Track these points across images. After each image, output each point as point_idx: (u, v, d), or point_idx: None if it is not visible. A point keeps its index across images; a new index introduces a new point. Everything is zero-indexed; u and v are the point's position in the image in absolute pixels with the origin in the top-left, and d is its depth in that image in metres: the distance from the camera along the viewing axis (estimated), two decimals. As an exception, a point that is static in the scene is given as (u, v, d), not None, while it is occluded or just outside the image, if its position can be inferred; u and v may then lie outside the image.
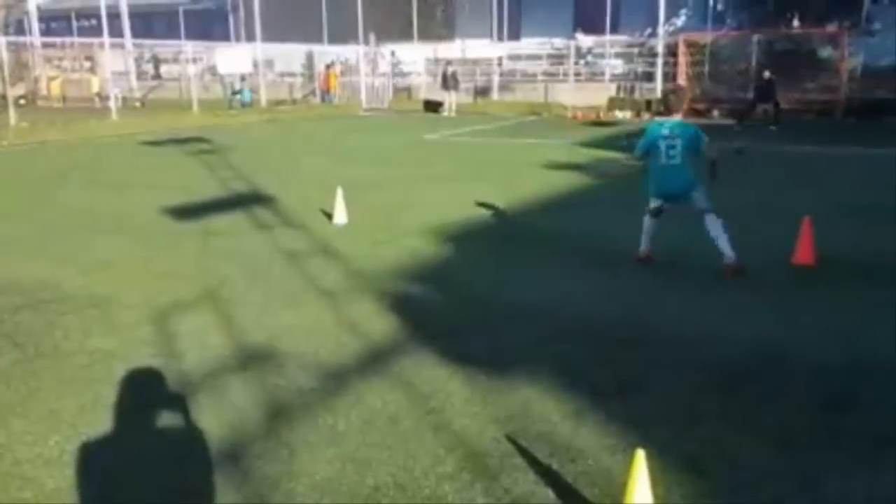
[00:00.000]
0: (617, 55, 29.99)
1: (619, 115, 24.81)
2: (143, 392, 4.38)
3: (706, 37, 26.04)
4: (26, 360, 4.77)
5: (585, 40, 31.04)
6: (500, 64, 32.71)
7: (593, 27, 31.19)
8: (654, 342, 5.00)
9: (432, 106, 27.94)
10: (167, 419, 4.04)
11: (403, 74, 34.19)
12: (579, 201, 10.38)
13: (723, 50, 25.63)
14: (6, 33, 39.18)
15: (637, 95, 26.66)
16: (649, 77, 27.39)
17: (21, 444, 3.71)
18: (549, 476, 3.37)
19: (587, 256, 7.25)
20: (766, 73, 20.98)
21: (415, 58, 33.65)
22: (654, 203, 6.85)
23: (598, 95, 26.98)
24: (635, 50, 29.10)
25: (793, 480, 3.33)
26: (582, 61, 30.43)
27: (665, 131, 6.56)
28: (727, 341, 4.97)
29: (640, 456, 2.79)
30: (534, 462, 3.48)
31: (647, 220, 6.92)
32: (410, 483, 3.34)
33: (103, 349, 4.92)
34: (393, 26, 34.33)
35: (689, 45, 25.19)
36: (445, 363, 4.64)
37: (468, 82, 30.90)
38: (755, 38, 24.65)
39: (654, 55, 27.54)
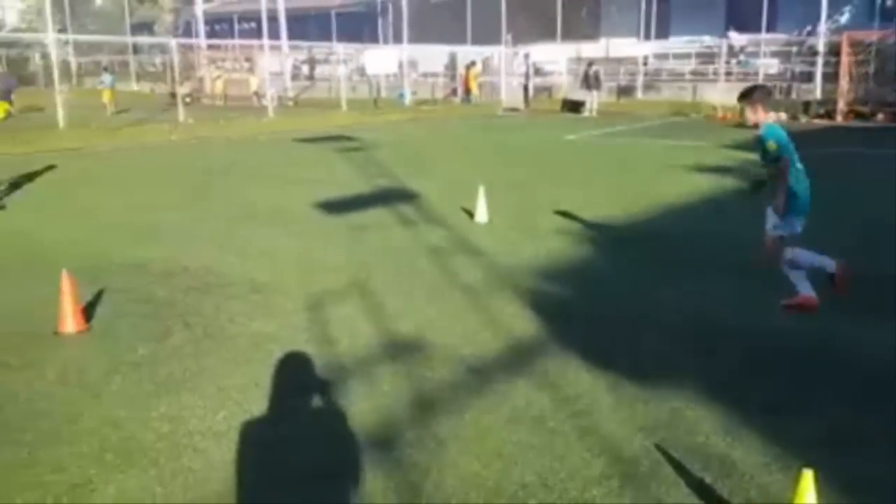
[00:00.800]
0: (772, 54, 28.49)
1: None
2: (301, 375, 4.61)
3: (872, 35, 24.21)
4: (196, 339, 5.14)
5: (738, 39, 29.68)
6: (645, 63, 31.90)
7: (747, 25, 29.75)
8: (808, 356, 4.73)
9: (571, 106, 27.63)
10: (321, 402, 4.24)
11: (545, 74, 34.01)
12: (724, 206, 9.95)
13: (891, 49, 23.74)
14: (175, 35, 42.32)
15: (794, 96, 25.21)
16: (808, 77, 25.85)
17: (193, 417, 4.00)
18: (702, 490, 3.26)
19: (729, 263, 6.94)
20: None
21: (557, 57, 33.39)
22: (793, 229, 5.45)
23: (750, 96, 25.72)
24: (793, 49, 27.52)
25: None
26: (734, 60, 29.13)
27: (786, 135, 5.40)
28: (887, 354, 4.63)
29: (808, 476, 2.65)
30: (686, 474, 3.38)
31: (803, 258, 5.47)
32: (557, 484, 3.33)
33: (264, 332, 5.23)
34: (536, 27, 34.23)
35: (854, 43, 23.51)
36: (589, 366, 4.59)
37: (611, 81, 30.33)
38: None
39: (814, 54, 25.96)
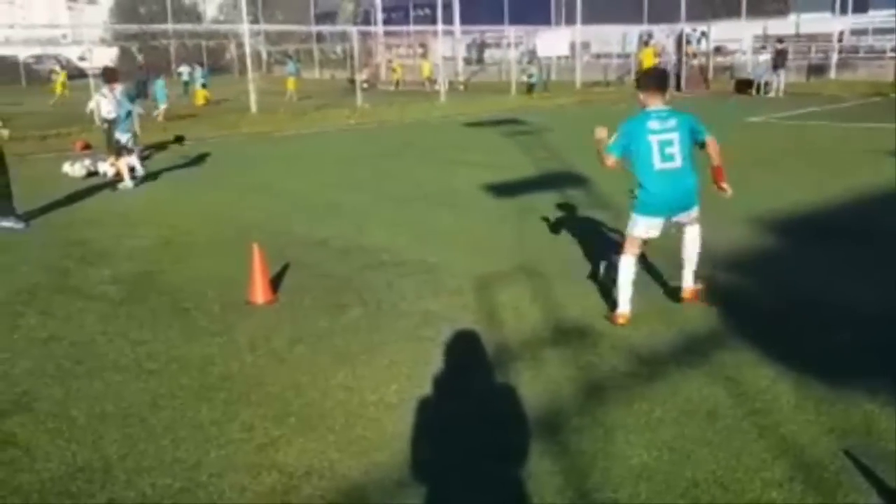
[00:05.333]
0: None
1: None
2: (468, 354, 4.69)
3: None
4: (370, 315, 5.37)
5: (952, 9, 26.61)
6: (840, 39, 29.37)
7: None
8: None
9: (743, 86, 25.97)
10: (488, 382, 4.30)
11: (726, 53, 32.21)
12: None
13: None
14: (355, 23, 44.13)
15: None
16: None
17: (367, 389, 4.19)
18: (897, 502, 3.00)
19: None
20: None
21: (740, 35, 31.50)
22: (640, 230, 5.01)
23: (964, 73, 23.02)
24: None
25: None
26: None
27: (652, 124, 4.85)
28: None
29: None
30: (878, 483, 3.12)
31: (626, 264, 5.04)
32: (733, 483, 3.18)
33: (433, 311, 5.38)
34: (719, 2, 32.45)
35: None
36: (770, 362, 4.33)
37: (801, 60, 28.21)
38: None
39: None
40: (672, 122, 4.92)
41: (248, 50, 24.24)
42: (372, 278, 6.21)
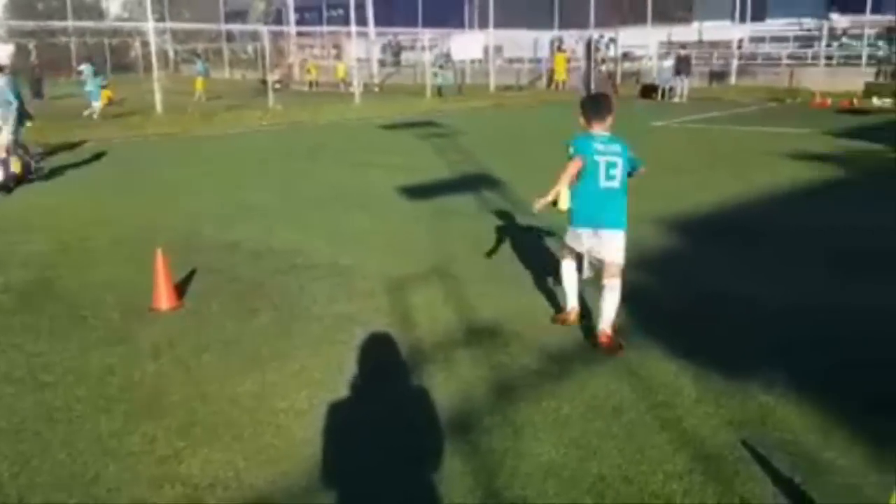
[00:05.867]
0: (878, 36, 26.95)
1: (876, 102, 22.32)
2: (381, 357, 4.66)
3: None
4: (282, 320, 5.27)
5: (840, 20, 28.24)
6: (740, 46, 30.74)
7: (849, 5, 28.23)
8: (917, 357, 4.46)
9: (649, 91, 26.90)
10: (400, 385, 4.28)
11: (633, 59, 33.22)
12: (820, 195, 9.50)
13: None
14: (266, 23, 43.38)
15: (902, 81, 23.82)
16: (918, 60, 24.37)
17: (276, 396, 4.11)
18: (790, 489, 3.14)
19: (826, 255, 6.63)
20: None
21: (646, 42, 32.56)
22: (571, 240, 5.17)
23: (852, 81, 24.46)
24: (901, 30, 25.99)
25: None
26: (835, 43, 27.71)
27: (598, 146, 4.99)
28: None
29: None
30: (773, 473, 3.26)
31: (564, 268, 5.22)
32: (637, 477, 3.26)
33: (346, 314, 5.32)
34: (626, 9, 33.44)
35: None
36: (673, 357, 4.47)
37: (703, 66, 29.37)
38: None
39: (925, 36, 24.43)
40: (615, 148, 5.03)
41: (153, 48, 23.46)
42: (283, 282, 6.10)
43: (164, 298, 5.45)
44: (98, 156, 13.58)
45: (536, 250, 6.96)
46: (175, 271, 5.84)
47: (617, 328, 4.79)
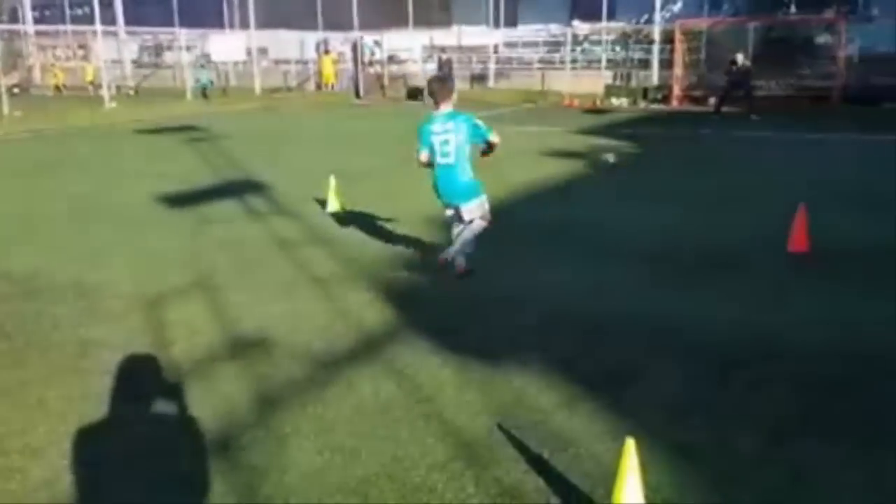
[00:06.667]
0: (613, 42, 29.83)
1: (615, 102, 24.71)
2: (134, 381, 4.34)
3: (703, 23, 25.85)
4: (15, 350, 4.73)
5: (582, 27, 30.86)
6: (496, 51, 32.54)
7: (591, 14, 30.98)
8: (646, 331, 4.97)
9: (414, 93, 27.81)
10: (158, 409, 4.02)
11: (399, 62, 33.98)
12: (573, 190, 10.32)
13: (719, 37, 25.47)
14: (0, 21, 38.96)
15: (634, 83, 26.54)
16: (646, 64, 27.25)
17: (9, 434, 3.68)
18: (540, 465, 3.35)
19: (577, 246, 7.22)
20: (740, 59, 19.74)
21: (411, 45, 33.45)
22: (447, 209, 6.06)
23: (594, 83, 26.83)
24: (631, 37, 28.95)
25: (784, 470, 3.31)
26: (578, 48, 30.28)
27: (435, 126, 5.77)
28: (719, 330, 4.95)
29: (630, 444, 2.77)
30: (525, 451, 3.46)
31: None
32: (400, 473, 3.32)
33: (94, 339, 4.89)
34: (389, 12, 34.09)
35: (686, 31, 25.02)
36: (437, 353, 4.61)
37: (464, 70, 30.74)
38: (752, 25, 24.47)
39: (651, 42, 27.39)
40: (450, 125, 5.74)
41: None
42: (18, 308, 5.48)
43: None
44: None
45: (303, 255, 6.87)
46: None
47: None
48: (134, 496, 3.20)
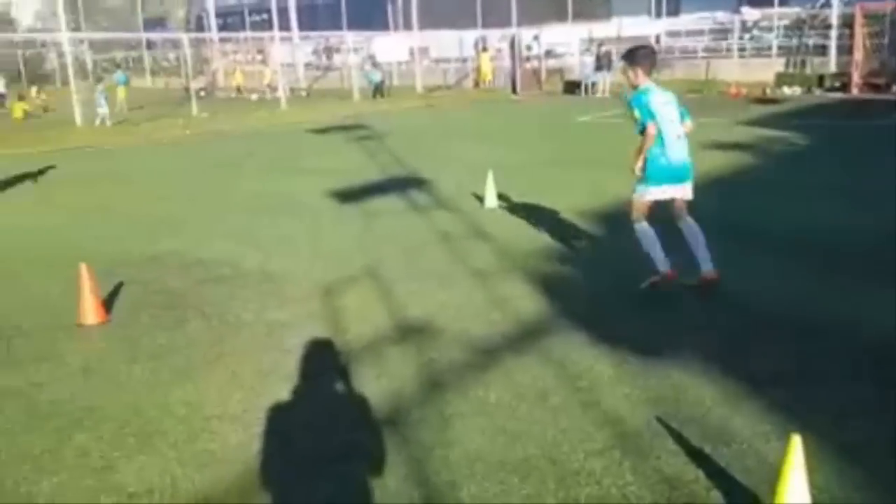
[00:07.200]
0: (786, 28, 28.16)
1: (787, 91, 23.35)
2: (311, 360, 4.72)
3: (886, 6, 23.84)
4: (212, 328, 5.30)
5: (751, 13, 29.36)
6: (657, 41, 31.63)
7: (761, 0, 29.42)
8: (814, 329, 4.78)
9: (572, 87, 27.59)
10: (332, 386, 4.37)
11: (557, 56, 33.85)
12: (737, 182, 9.95)
13: (905, 20, 23.39)
14: (188, 29, 42.55)
15: (808, 71, 24.94)
16: (822, 50, 25.54)
17: (209, 403, 4.15)
18: (700, 458, 3.36)
19: (740, 240, 6.99)
20: None
21: (569, 39, 33.23)
22: (650, 195, 5.38)
23: (764, 71, 25.50)
24: (807, 22, 27.19)
25: (969, 479, 3.13)
26: (747, 35, 28.83)
27: (657, 97, 5.22)
28: (884, 328, 4.68)
29: (797, 442, 2.74)
30: (684, 443, 3.48)
31: (643, 229, 5.45)
32: (559, 457, 3.44)
33: (276, 320, 5.38)
34: (548, 7, 34.04)
35: (867, 15, 23.19)
36: (594, 344, 4.68)
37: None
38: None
39: (828, 27, 25.62)
40: (669, 96, 5.27)
41: (69, 59, 22.82)
42: (212, 292, 6.11)
43: (90, 313, 5.41)
44: (18, 173, 13.16)
45: (462, 248, 7.13)
46: (101, 286, 5.79)
47: None
48: (313, 460, 3.53)
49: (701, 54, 29.89)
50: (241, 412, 4.02)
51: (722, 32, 29.81)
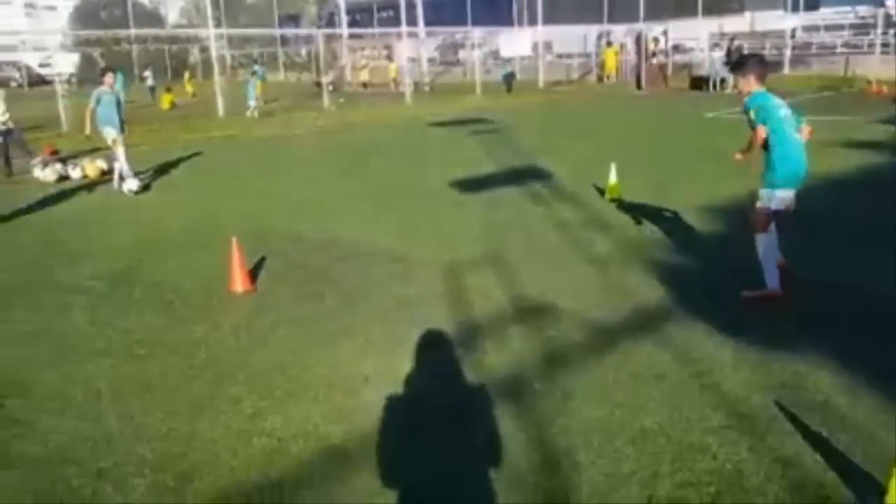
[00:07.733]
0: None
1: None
2: (437, 332, 5.01)
3: None
4: (347, 299, 5.71)
5: (898, 7, 27.63)
6: (793, 36, 30.30)
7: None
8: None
9: (698, 82, 26.84)
10: (456, 356, 4.64)
11: (685, 51, 33.00)
12: (869, 182, 9.54)
13: None
14: (319, 26, 44.23)
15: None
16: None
17: (345, 364, 4.54)
18: (818, 442, 3.42)
19: (866, 237, 6.77)
20: None
21: (698, 34, 32.31)
22: (776, 203, 5.23)
23: (910, 68, 23.95)
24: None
25: None
26: (891, 31, 27.13)
27: (775, 100, 5.27)
28: None
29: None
30: (802, 427, 3.54)
31: (765, 240, 5.31)
32: (676, 432, 3.58)
33: (405, 296, 5.73)
34: (676, 2, 33.24)
35: None
36: (714, 334, 4.74)
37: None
38: None
39: None
40: (784, 101, 5.35)
41: (213, 54, 24.34)
42: (346, 268, 6.55)
43: (239, 282, 5.94)
44: (168, 159, 14.29)
45: (582, 236, 7.27)
46: (249, 258, 6.33)
47: None
48: (439, 421, 3.82)
49: (840, 50, 28.40)
50: (374, 375, 4.37)
51: (863, 27, 28.18)
